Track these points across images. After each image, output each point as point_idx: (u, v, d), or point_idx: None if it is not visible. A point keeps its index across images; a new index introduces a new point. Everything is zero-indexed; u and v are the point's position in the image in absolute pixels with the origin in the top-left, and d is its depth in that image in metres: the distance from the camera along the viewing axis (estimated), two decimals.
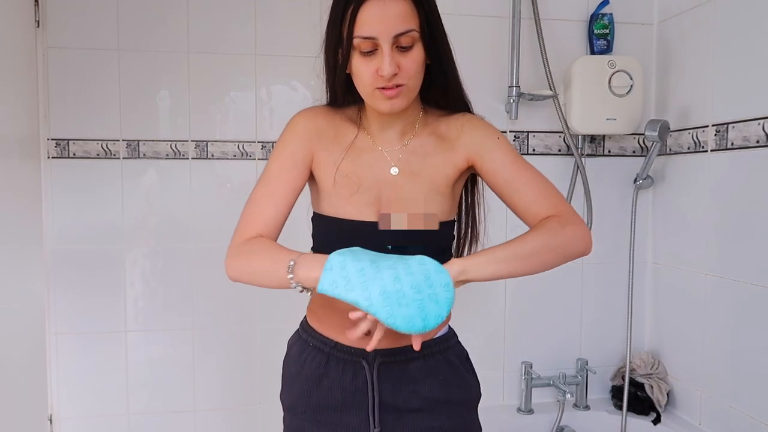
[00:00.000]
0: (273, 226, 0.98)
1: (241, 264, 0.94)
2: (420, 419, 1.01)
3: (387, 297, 0.80)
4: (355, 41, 0.91)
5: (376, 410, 0.99)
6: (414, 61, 0.92)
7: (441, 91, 1.04)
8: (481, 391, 1.11)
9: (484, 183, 1.08)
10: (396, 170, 1.00)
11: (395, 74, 0.90)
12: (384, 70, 0.89)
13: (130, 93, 1.91)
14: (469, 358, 1.10)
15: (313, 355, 1.04)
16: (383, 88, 0.92)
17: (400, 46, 0.91)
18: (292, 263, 0.86)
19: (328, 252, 0.99)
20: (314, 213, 1.07)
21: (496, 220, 1.72)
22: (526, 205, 1.00)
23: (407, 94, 0.94)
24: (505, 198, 1.02)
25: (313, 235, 1.07)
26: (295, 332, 1.12)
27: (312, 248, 1.07)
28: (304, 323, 1.10)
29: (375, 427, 0.99)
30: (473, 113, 1.07)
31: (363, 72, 0.92)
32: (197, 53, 1.93)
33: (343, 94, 1.02)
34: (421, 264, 0.83)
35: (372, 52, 0.91)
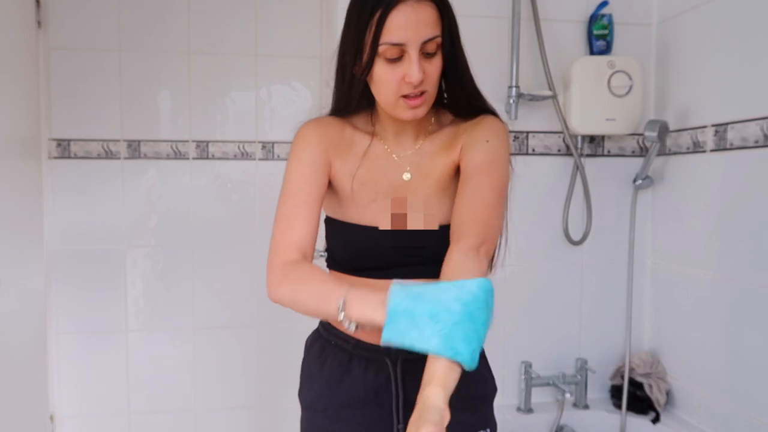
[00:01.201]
0: (309, 240, 0.95)
1: (287, 292, 0.90)
2: None
3: (469, 342, 0.75)
4: (381, 48, 0.89)
5: (400, 407, 1.00)
6: (437, 67, 0.93)
7: (458, 97, 1.03)
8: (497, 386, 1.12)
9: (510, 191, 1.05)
10: (408, 176, 1.01)
11: (421, 81, 0.90)
12: (413, 77, 0.89)
13: (130, 93, 1.91)
14: (485, 355, 1.11)
15: (335, 353, 1.04)
16: (406, 97, 0.92)
17: (426, 53, 0.90)
18: (341, 302, 0.82)
19: (345, 258, 0.98)
20: (328, 217, 1.07)
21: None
22: (457, 207, 0.95)
23: (429, 101, 0.95)
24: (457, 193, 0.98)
25: (327, 237, 1.07)
26: (314, 331, 1.12)
27: (326, 249, 1.08)
28: (324, 322, 1.10)
29: (399, 423, 1.00)
30: (495, 115, 1.04)
31: (388, 80, 0.91)
32: (197, 53, 1.94)
33: (358, 101, 1.01)
34: (483, 290, 0.77)
35: (398, 59, 0.90)
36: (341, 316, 0.81)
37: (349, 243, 1.01)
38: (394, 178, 1.01)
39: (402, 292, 0.78)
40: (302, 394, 1.09)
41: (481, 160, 0.96)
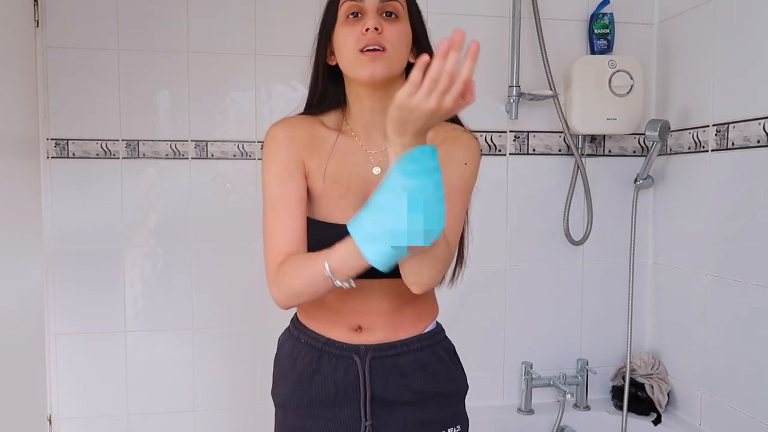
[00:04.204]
0: (298, 243, 0.97)
1: (284, 290, 0.94)
2: (410, 412, 1.03)
3: (416, 209, 0.77)
4: (342, 8, 0.95)
5: (368, 404, 1.00)
6: (398, 30, 0.95)
7: None
8: (468, 383, 1.12)
9: (470, 205, 1.07)
10: (378, 170, 1.01)
11: (378, 32, 0.93)
12: (368, 23, 0.93)
13: (129, 93, 1.90)
14: (456, 353, 1.12)
15: (305, 351, 1.05)
16: (365, 51, 0.93)
17: (386, 12, 0.95)
18: (327, 268, 0.85)
19: None
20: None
21: (496, 235, 1.71)
22: None
23: (389, 61, 0.95)
24: None
25: None
26: (286, 329, 1.13)
27: None
28: (295, 320, 1.11)
29: (367, 420, 1.01)
30: (464, 127, 1.06)
31: (347, 36, 0.95)
32: (197, 53, 1.93)
33: (324, 89, 1.04)
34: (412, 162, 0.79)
35: (357, 16, 0.95)
36: (337, 282, 0.86)
37: (318, 241, 1.01)
38: (365, 172, 1.01)
39: (352, 221, 0.83)
40: (275, 392, 1.10)
41: (458, 184, 0.98)
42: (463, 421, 1.09)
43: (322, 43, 1.01)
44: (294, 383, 1.05)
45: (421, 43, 1.01)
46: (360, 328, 1.02)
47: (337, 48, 0.98)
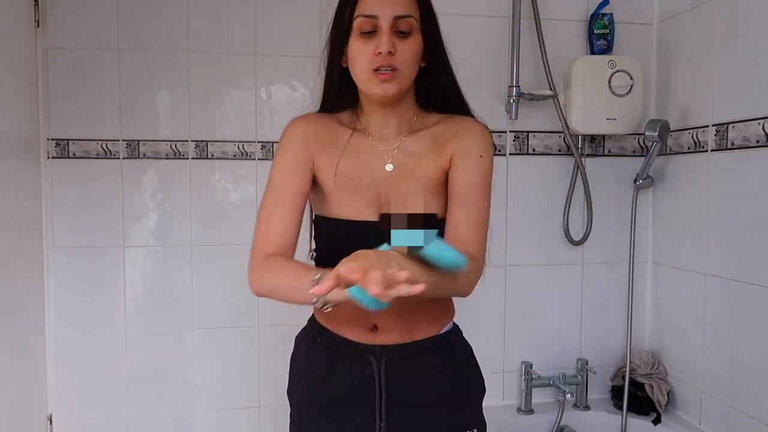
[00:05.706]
0: (289, 236, 0.99)
1: (264, 281, 0.97)
2: (426, 414, 1.02)
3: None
4: (356, 22, 0.96)
5: (383, 405, 1.00)
6: (410, 48, 0.96)
7: (440, 94, 1.06)
8: (485, 386, 1.12)
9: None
10: (391, 167, 1.02)
11: (391, 54, 0.94)
12: (381, 46, 0.93)
13: (130, 93, 1.90)
14: (474, 354, 1.11)
15: (321, 351, 1.05)
16: (378, 71, 0.95)
17: (399, 31, 0.96)
18: (316, 278, 0.84)
19: (330, 253, 1.01)
20: (316, 215, 1.07)
21: (496, 235, 1.69)
22: (457, 223, 1.00)
23: (400, 80, 0.97)
24: (448, 207, 1.02)
25: (315, 238, 1.07)
26: (303, 329, 1.13)
27: (314, 250, 1.08)
28: (312, 320, 1.11)
29: (382, 422, 1.00)
30: (477, 120, 1.08)
31: (361, 53, 0.96)
32: (197, 53, 1.93)
33: (338, 89, 1.05)
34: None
35: (371, 33, 0.95)
36: (314, 298, 0.84)
37: (332, 237, 1.03)
38: (377, 169, 1.02)
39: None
40: (290, 391, 1.11)
41: (477, 179, 1.00)
42: (480, 424, 1.08)
43: (336, 47, 1.02)
44: (310, 383, 1.05)
45: (433, 49, 1.02)
46: (376, 327, 1.01)
47: (350, 60, 0.99)
